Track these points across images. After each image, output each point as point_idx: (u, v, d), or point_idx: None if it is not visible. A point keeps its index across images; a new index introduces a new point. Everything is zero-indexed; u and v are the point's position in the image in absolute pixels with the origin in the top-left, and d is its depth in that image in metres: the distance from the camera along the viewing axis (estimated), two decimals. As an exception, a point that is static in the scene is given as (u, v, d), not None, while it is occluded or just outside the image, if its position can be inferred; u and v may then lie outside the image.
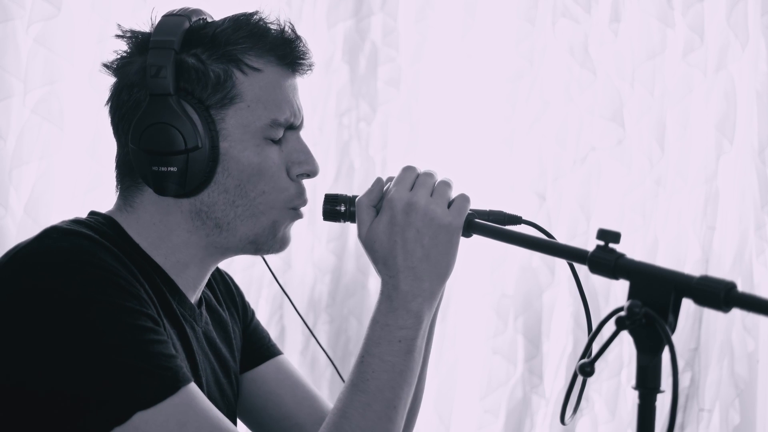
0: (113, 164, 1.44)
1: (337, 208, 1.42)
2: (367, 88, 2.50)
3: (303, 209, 1.46)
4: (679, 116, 2.41)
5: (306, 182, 1.46)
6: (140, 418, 1.18)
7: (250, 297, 2.40)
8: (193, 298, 1.45)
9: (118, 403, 1.18)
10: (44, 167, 2.20)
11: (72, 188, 2.26)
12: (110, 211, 1.42)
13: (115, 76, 1.40)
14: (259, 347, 1.65)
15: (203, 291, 1.52)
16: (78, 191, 2.26)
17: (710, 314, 2.40)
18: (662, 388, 1.08)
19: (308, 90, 2.49)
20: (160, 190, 1.34)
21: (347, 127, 2.52)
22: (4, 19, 2.15)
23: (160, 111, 1.33)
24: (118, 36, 1.40)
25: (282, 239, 1.43)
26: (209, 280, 1.59)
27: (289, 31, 1.42)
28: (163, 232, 1.39)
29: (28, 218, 2.16)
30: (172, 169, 1.33)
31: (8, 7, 2.15)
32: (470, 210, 1.37)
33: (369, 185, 1.41)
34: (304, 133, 1.47)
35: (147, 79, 1.33)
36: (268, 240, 1.42)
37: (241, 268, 2.45)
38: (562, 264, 2.39)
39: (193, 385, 1.24)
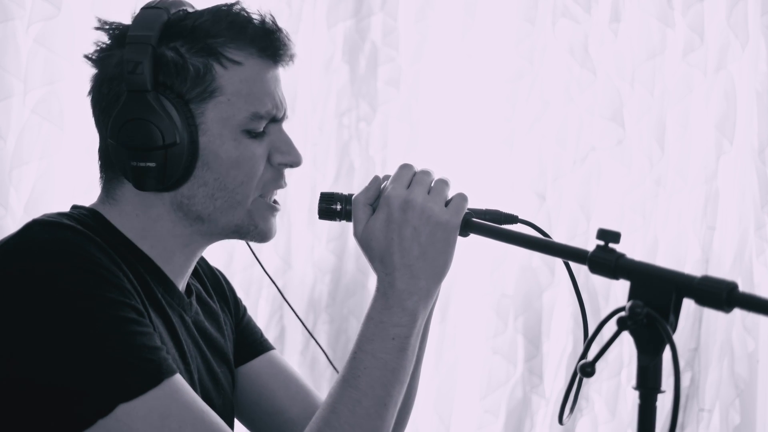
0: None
1: (332, 207, 1.42)
2: (367, 88, 2.50)
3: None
4: (679, 116, 2.41)
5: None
6: (123, 410, 1.18)
7: (249, 297, 2.40)
8: (181, 286, 1.44)
9: (100, 395, 1.18)
10: (44, 167, 2.20)
11: (72, 188, 2.26)
12: (94, 204, 1.42)
13: (96, 68, 1.39)
14: (251, 342, 1.65)
15: (193, 282, 1.52)
16: (78, 191, 2.26)
17: (710, 314, 2.40)
18: (663, 388, 1.08)
19: (308, 90, 2.49)
20: (140, 185, 1.34)
21: (347, 127, 2.52)
22: (4, 19, 2.15)
23: (138, 107, 1.32)
24: (96, 28, 1.39)
25: (264, 231, 1.42)
26: (198, 271, 1.59)
27: (270, 22, 1.40)
28: (147, 223, 1.38)
29: (28, 218, 2.14)
30: (150, 164, 1.32)
31: (8, 7, 2.15)
32: (467, 209, 1.37)
33: (367, 184, 1.41)
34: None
35: (124, 75, 1.32)
36: (250, 230, 1.41)
37: (241, 268, 2.44)
38: (562, 264, 2.39)
39: (177, 377, 1.24)
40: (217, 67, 1.36)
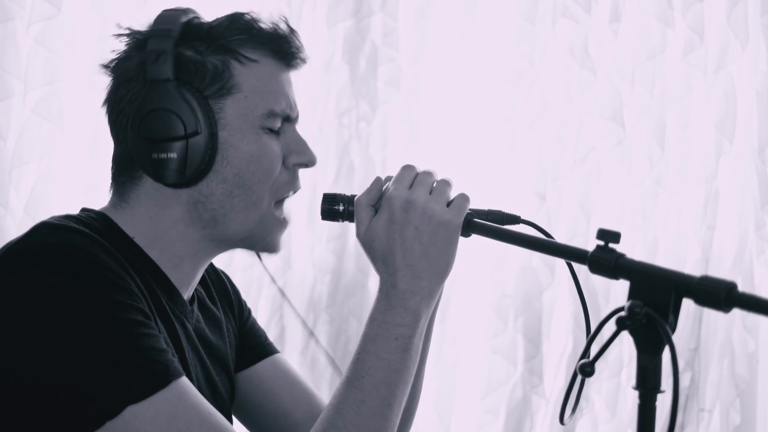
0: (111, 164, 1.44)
1: (335, 208, 1.43)
2: (367, 88, 2.50)
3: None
4: (679, 116, 2.41)
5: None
6: (131, 412, 1.18)
7: (249, 297, 2.40)
8: (186, 295, 1.45)
9: (108, 397, 1.19)
10: (44, 167, 2.20)
11: (72, 188, 2.26)
12: (104, 208, 1.42)
13: (113, 74, 1.41)
14: (255, 345, 1.65)
15: (197, 288, 1.52)
16: (78, 191, 2.26)
17: (710, 314, 2.40)
18: (662, 388, 1.08)
19: (308, 90, 2.49)
20: (160, 178, 1.34)
21: (347, 127, 2.52)
22: (4, 19, 2.15)
23: (159, 97, 1.33)
24: (117, 35, 1.41)
25: (271, 245, 1.44)
26: (203, 277, 1.59)
27: (284, 26, 1.44)
28: (159, 225, 1.38)
29: (28, 218, 2.16)
30: (171, 155, 1.33)
31: (8, 7, 2.15)
32: (469, 209, 1.37)
33: (369, 185, 1.41)
34: (302, 132, 1.47)
35: (146, 67, 1.34)
36: (258, 241, 1.43)
37: (241, 268, 2.44)
38: (562, 264, 2.39)
39: (184, 379, 1.24)
40: (235, 64, 1.38)
